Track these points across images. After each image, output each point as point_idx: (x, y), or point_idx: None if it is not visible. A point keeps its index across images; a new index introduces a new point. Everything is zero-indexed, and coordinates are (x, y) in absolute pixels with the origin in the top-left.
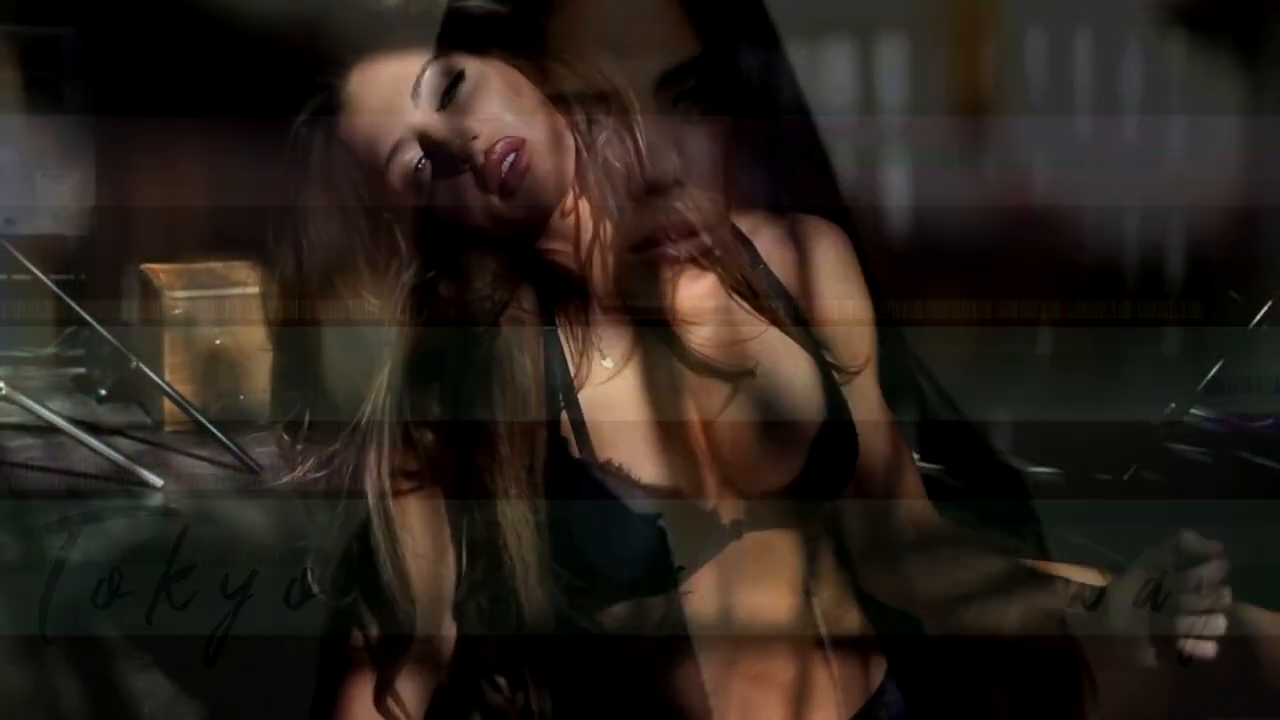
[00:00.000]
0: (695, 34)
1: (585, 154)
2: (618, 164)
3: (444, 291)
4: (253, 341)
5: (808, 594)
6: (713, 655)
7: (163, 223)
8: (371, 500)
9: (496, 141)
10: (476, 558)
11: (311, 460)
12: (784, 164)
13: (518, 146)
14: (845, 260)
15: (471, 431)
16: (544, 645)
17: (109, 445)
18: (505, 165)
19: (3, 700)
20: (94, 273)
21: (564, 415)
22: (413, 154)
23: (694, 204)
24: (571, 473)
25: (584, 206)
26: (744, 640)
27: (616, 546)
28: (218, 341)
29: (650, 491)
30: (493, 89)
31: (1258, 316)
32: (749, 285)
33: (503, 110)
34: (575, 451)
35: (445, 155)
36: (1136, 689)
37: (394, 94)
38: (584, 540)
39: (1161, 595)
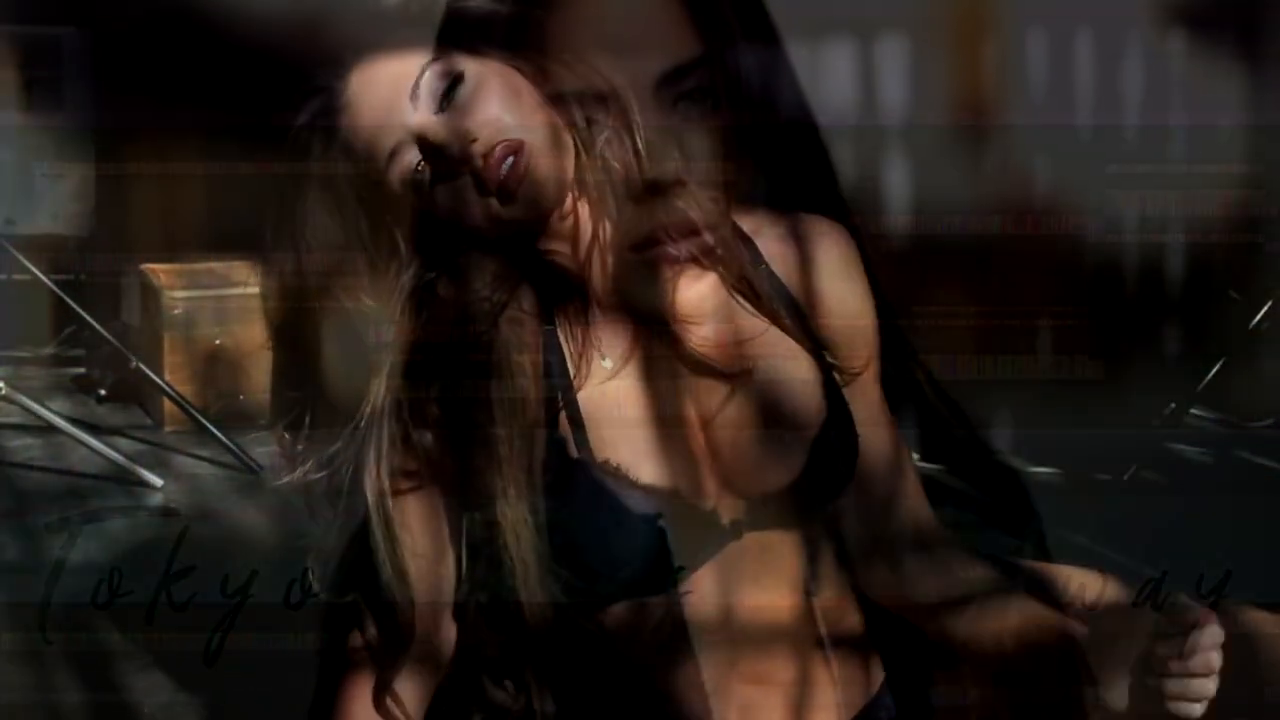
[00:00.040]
0: (695, 34)
1: (585, 156)
2: (617, 165)
3: (443, 293)
4: (253, 341)
5: (808, 594)
6: (713, 655)
7: (162, 223)
8: (370, 500)
9: (495, 145)
10: (476, 558)
11: (312, 460)
12: (784, 164)
13: (516, 149)
14: (848, 260)
15: (470, 433)
16: (544, 645)
17: (109, 445)
18: (504, 169)
19: (3, 700)
20: (94, 273)
21: (563, 415)
22: (411, 156)
23: (694, 203)
24: (570, 473)
25: (584, 207)
26: (744, 640)
27: (616, 546)
28: (218, 341)
29: (649, 491)
30: (492, 91)
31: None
32: (749, 285)
33: (502, 112)
34: (574, 451)
35: (444, 158)
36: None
37: (393, 96)
38: (583, 540)
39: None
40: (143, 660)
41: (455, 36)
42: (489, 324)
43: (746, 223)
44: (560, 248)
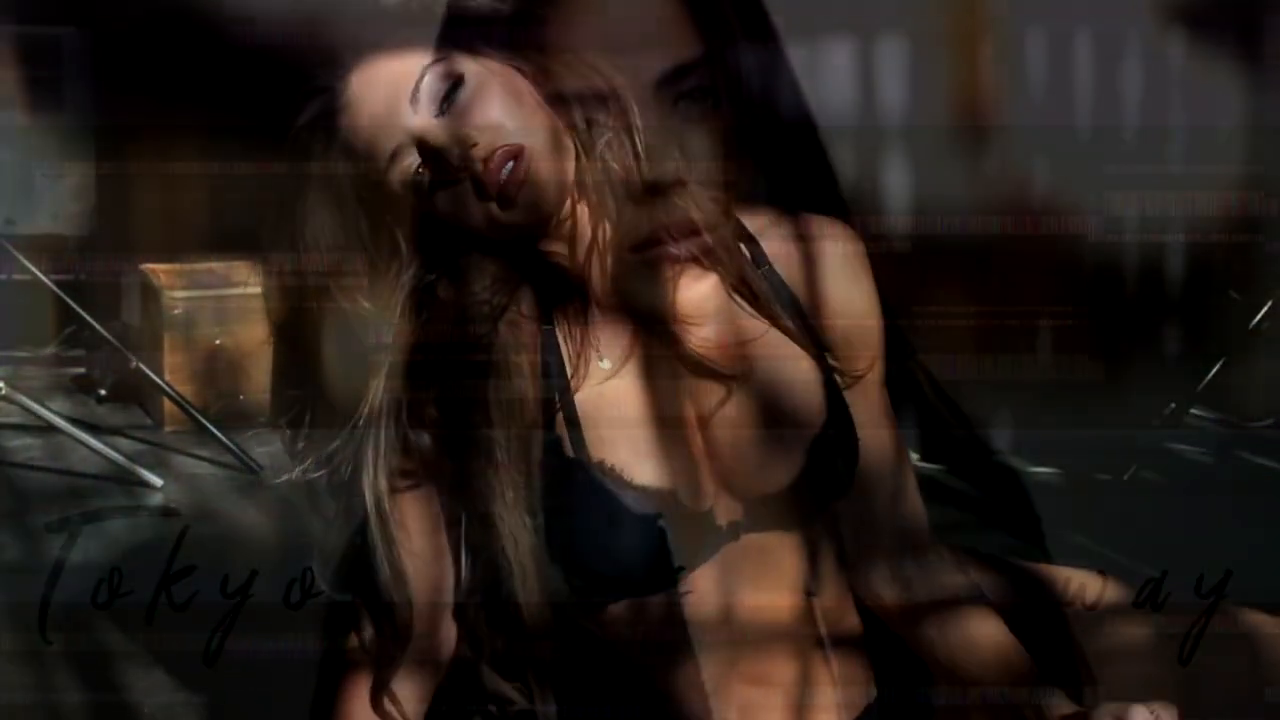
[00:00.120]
0: (696, 33)
1: (585, 158)
2: (617, 167)
3: (442, 294)
4: (253, 341)
5: (808, 595)
6: (712, 656)
7: (162, 222)
8: (369, 500)
9: (495, 150)
10: (474, 560)
11: (311, 458)
12: (784, 163)
13: (516, 154)
14: (854, 262)
15: (468, 434)
16: (544, 646)
17: (109, 445)
18: (503, 174)
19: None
20: (94, 273)
21: (560, 416)
22: (411, 158)
23: (694, 203)
24: (567, 473)
25: (583, 208)
26: (744, 641)
27: (612, 547)
28: (218, 341)
29: (645, 492)
30: (492, 94)
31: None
32: (749, 286)
33: (502, 116)
34: (571, 452)
35: (443, 162)
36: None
37: (393, 98)
38: (580, 541)
39: None
40: (143, 660)
41: (455, 36)
42: (488, 325)
43: (751, 223)
44: (560, 248)
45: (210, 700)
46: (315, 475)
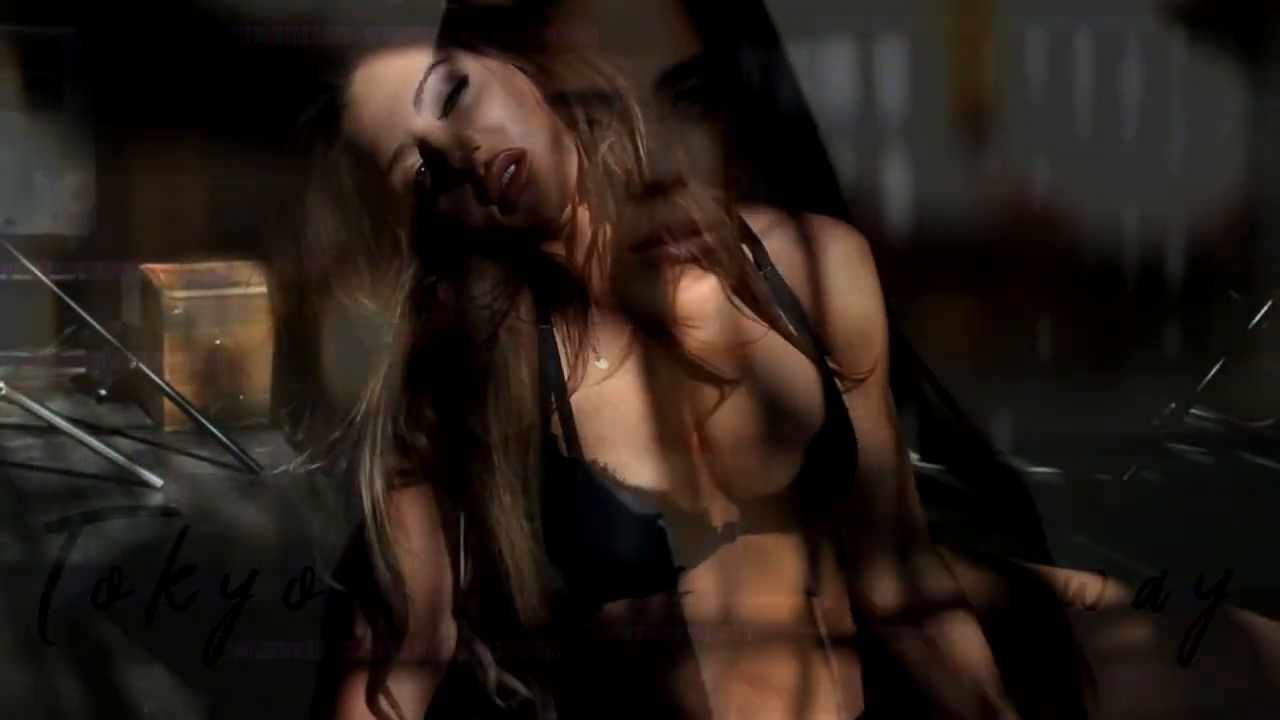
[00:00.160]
0: (696, 33)
1: (587, 160)
2: (618, 169)
3: (442, 295)
4: (253, 341)
5: (809, 595)
6: (712, 657)
7: (162, 223)
8: (366, 498)
9: (497, 154)
10: (472, 561)
11: (310, 451)
12: (784, 163)
13: (518, 158)
14: (859, 264)
15: (465, 438)
16: (542, 646)
17: (109, 445)
18: (505, 178)
19: (3, 700)
20: (94, 273)
21: (556, 416)
22: (413, 159)
23: (695, 203)
24: (562, 474)
25: (584, 209)
26: (743, 641)
27: (608, 547)
28: (218, 341)
29: (640, 493)
30: (495, 97)
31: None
32: (750, 288)
33: (505, 119)
34: (566, 452)
35: (445, 164)
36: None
37: (396, 98)
38: (576, 541)
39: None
40: (143, 660)
41: (456, 34)
42: (487, 327)
43: (755, 223)
44: (559, 248)
45: (210, 700)
46: (314, 468)
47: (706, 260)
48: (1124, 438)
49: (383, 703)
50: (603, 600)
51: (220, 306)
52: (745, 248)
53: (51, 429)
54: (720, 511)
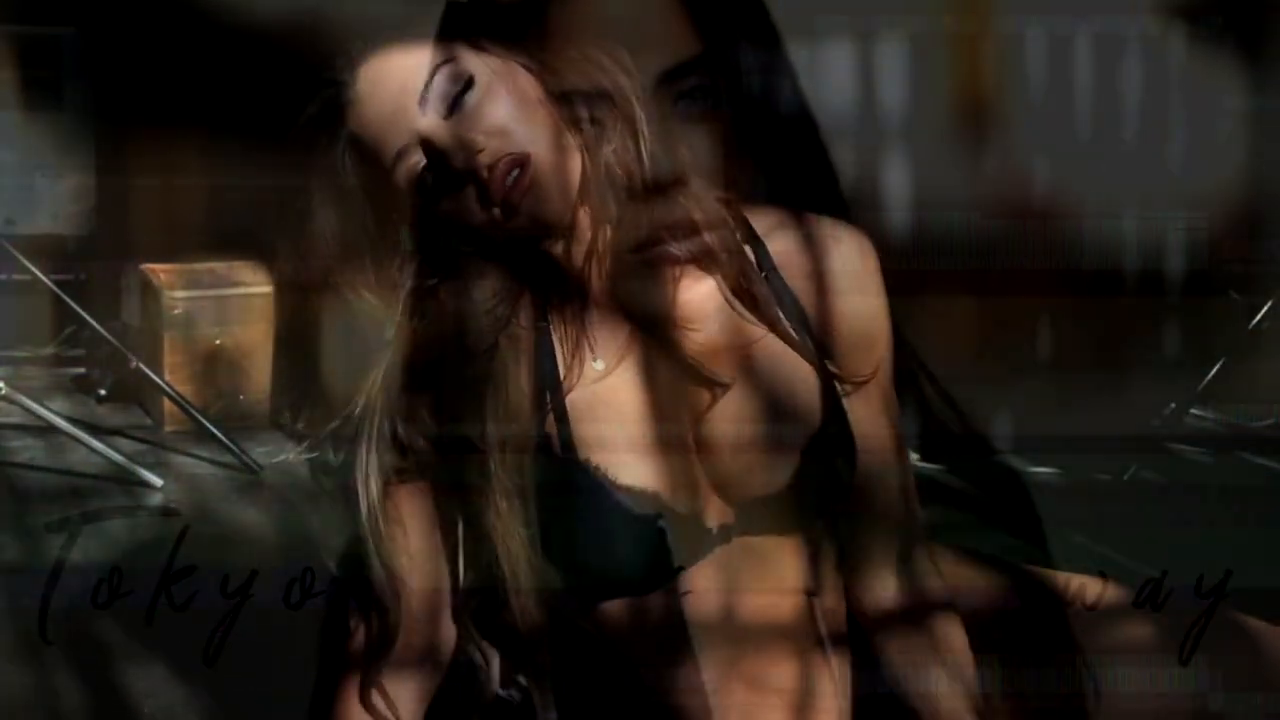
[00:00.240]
0: (696, 33)
1: (589, 162)
2: (620, 170)
3: (444, 299)
4: (252, 341)
5: (809, 596)
6: (712, 657)
7: (162, 223)
8: (362, 496)
9: (501, 157)
10: (470, 563)
11: (307, 441)
12: (784, 163)
13: (522, 162)
14: (862, 267)
15: (462, 443)
16: (540, 645)
17: (109, 445)
18: (508, 182)
19: (3, 700)
20: (94, 273)
21: (551, 416)
22: (416, 158)
23: (696, 203)
24: (557, 472)
25: (585, 209)
26: (743, 642)
27: (603, 546)
28: (218, 341)
29: (634, 493)
30: (501, 98)
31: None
32: (750, 289)
33: (510, 122)
34: (561, 451)
35: (448, 165)
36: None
37: (401, 96)
38: (571, 540)
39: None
40: (143, 660)
41: (457, 30)
42: (487, 332)
43: (759, 223)
44: (559, 248)
45: (210, 700)
46: (312, 456)
47: (706, 261)
48: (1124, 438)
49: (381, 702)
50: (598, 600)
51: (220, 306)
52: (748, 249)
53: (51, 429)
54: (716, 513)
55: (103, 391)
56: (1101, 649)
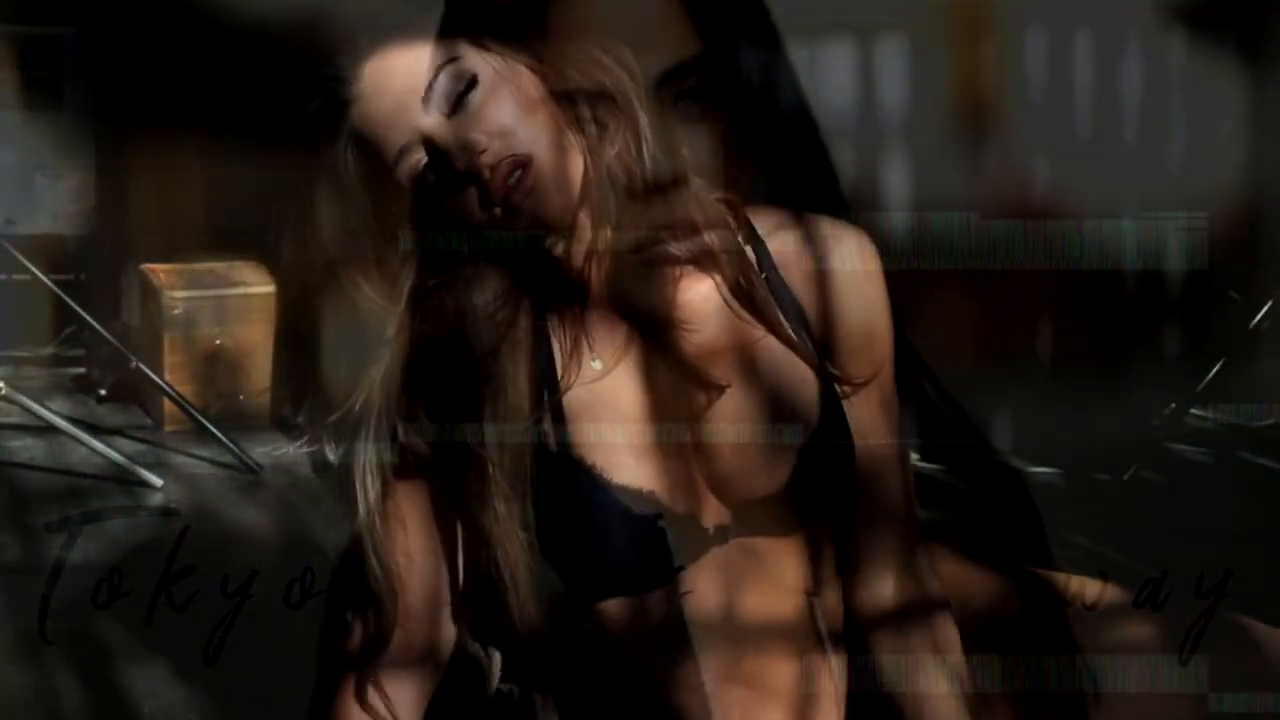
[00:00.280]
0: (696, 33)
1: (591, 166)
2: (621, 172)
3: (445, 301)
4: (253, 341)
5: (810, 596)
6: (712, 657)
7: (162, 222)
8: (360, 495)
9: (503, 159)
10: (468, 564)
11: (307, 435)
12: (783, 162)
13: (524, 164)
14: (863, 267)
15: (461, 447)
16: (539, 645)
17: (109, 445)
18: (510, 183)
19: (3, 700)
20: (94, 273)
21: (549, 415)
22: (418, 155)
23: (697, 203)
24: (553, 471)
25: (586, 209)
26: (742, 643)
27: (597, 546)
28: (218, 341)
29: (630, 493)
30: (505, 98)
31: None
32: (749, 290)
33: (513, 122)
34: (558, 450)
35: (450, 164)
36: None
37: (405, 93)
38: (567, 539)
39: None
40: (143, 660)
41: (458, 27)
42: (487, 337)
43: (762, 224)
44: (559, 248)
45: (210, 700)
46: (311, 450)
47: (706, 261)
48: (1124, 438)
49: (380, 701)
50: (595, 600)
51: (220, 306)
52: (749, 249)
53: (51, 429)
54: (713, 513)
55: (103, 391)
56: (1101, 649)
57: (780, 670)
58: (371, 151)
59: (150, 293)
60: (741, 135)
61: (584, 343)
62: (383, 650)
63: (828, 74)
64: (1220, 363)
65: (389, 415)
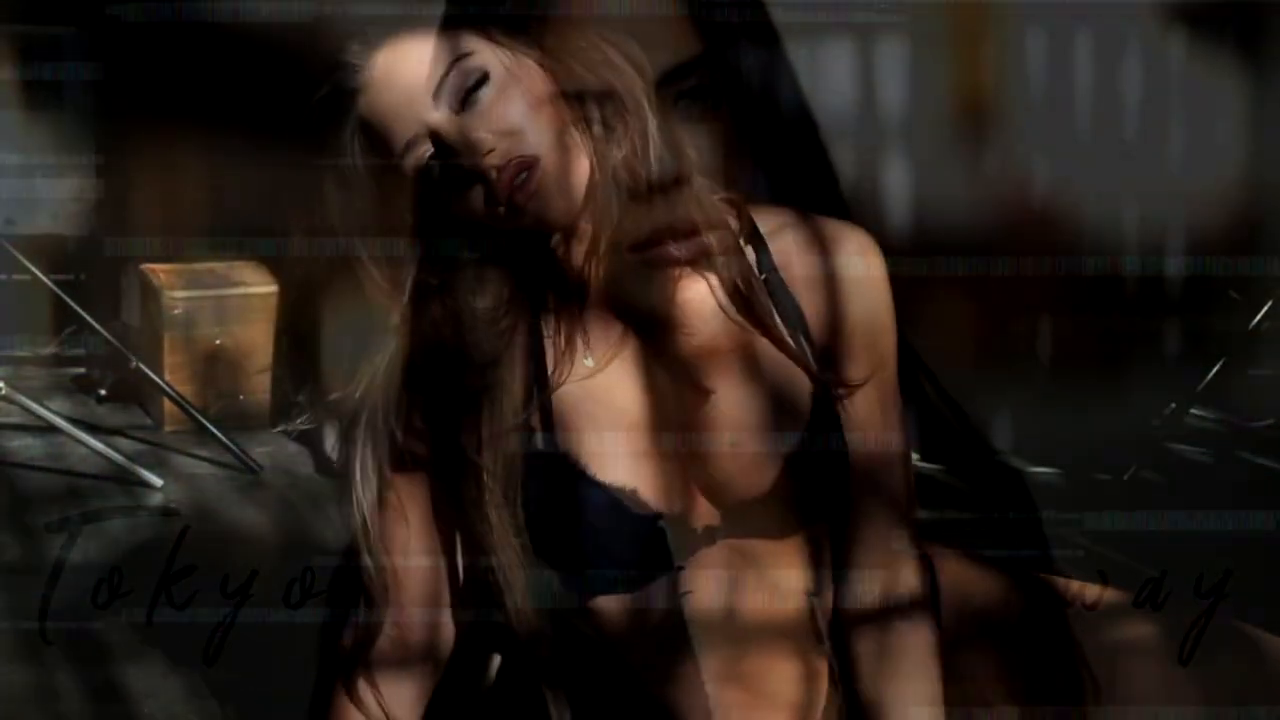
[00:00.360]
0: (696, 32)
1: (596, 166)
2: (626, 174)
3: (445, 299)
4: (253, 341)
5: (810, 596)
6: (711, 657)
7: (163, 222)
8: (357, 494)
9: (510, 160)
10: (465, 565)
11: (306, 414)
12: (783, 162)
13: (530, 166)
14: (864, 267)
15: (456, 455)
16: (537, 645)
17: (109, 445)
18: (515, 183)
19: (3, 700)
20: (94, 273)
21: (538, 412)
22: (425, 149)
23: (698, 204)
24: (543, 468)
25: (589, 210)
26: (742, 643)
27: (587, 544)
28: (218, 341)
29: (618, 491)
30: (514, 97)
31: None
32: (747, 291)
33: (522, 122)
34: (540, 444)
35: (456, 161)
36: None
37: (415, 87)
38: (557, 537)
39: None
40: (143, 660)
41: (470, 22)
42: (484, 328)
43: (765, 224)
44: (559, 244)
45: (210, 700)
46: (309, 427)
47: (705, 262)
48: (1124, 438)
49: (378, 701)
50: (588, 598)
51: (220, 306)
52: (750, 250)
53: (51, 429)
54: (702, 514)
55: (103, 391)
56: (1102, 650)
57: (780, 671)
58: (378, 142)
59: (150, 293)
60: (742, 135)
61: (578, 340)
62: (383, 651)
63: (828, 74)
64: (1220, 363)
65: (388, 415)
